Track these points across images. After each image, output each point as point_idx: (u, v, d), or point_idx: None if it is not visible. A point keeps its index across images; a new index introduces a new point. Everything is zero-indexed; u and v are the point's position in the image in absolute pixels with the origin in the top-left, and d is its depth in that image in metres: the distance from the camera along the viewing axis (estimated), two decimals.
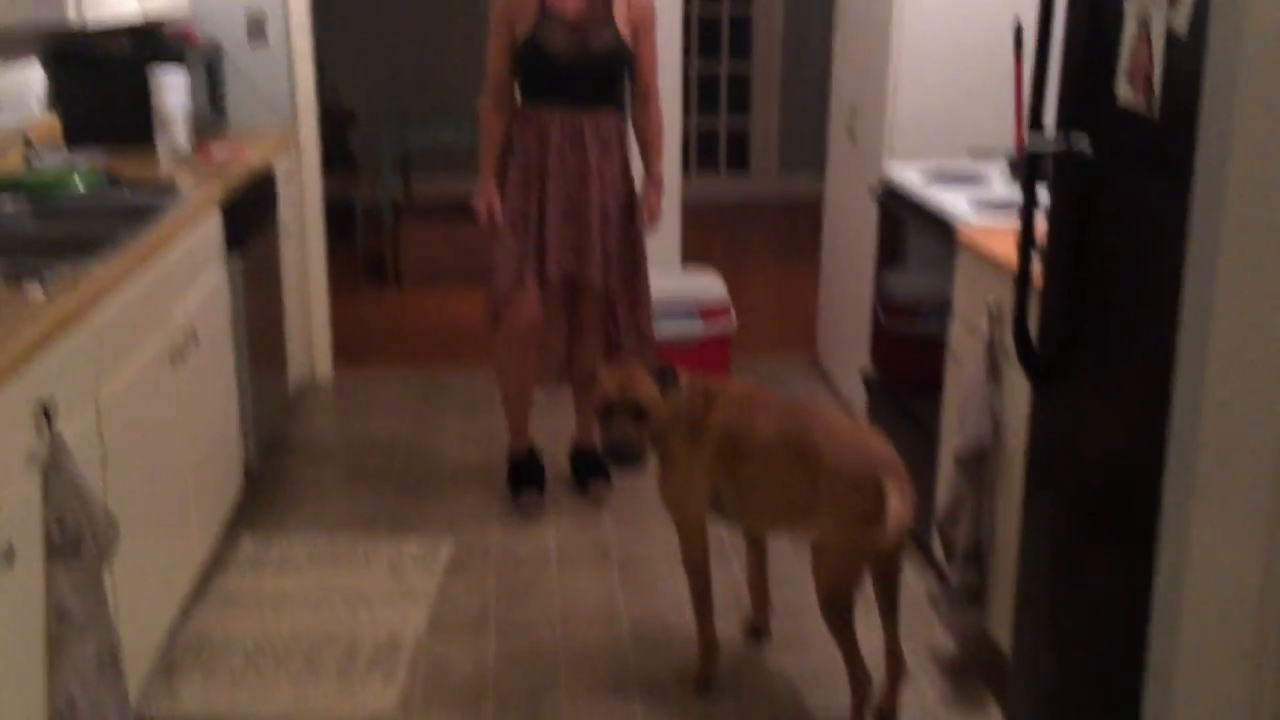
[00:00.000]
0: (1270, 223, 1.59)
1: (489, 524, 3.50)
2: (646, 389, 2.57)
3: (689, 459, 2.62)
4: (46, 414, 2.01)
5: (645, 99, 3.49)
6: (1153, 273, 1.87)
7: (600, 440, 2.67)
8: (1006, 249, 2.59)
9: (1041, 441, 2.35)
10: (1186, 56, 1.74)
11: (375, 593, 3.11)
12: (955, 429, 2.79)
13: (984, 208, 3.01)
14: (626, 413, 2.56)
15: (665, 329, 4.44)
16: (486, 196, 3.44)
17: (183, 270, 2.87)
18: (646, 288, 3.59)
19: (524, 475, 3.64)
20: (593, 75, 3.38)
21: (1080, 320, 2.16)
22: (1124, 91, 1.93)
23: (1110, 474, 2.05)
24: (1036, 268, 2.30)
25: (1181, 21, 1.76)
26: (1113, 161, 2.03)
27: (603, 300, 3.51)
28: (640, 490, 3.61)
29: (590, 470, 3.70)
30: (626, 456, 2.59)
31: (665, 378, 2.60)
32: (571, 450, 3.78)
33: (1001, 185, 3.31)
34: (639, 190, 3.54)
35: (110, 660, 2.12)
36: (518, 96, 3.46)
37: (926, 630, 2.94)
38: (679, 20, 4.55)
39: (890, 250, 3.63)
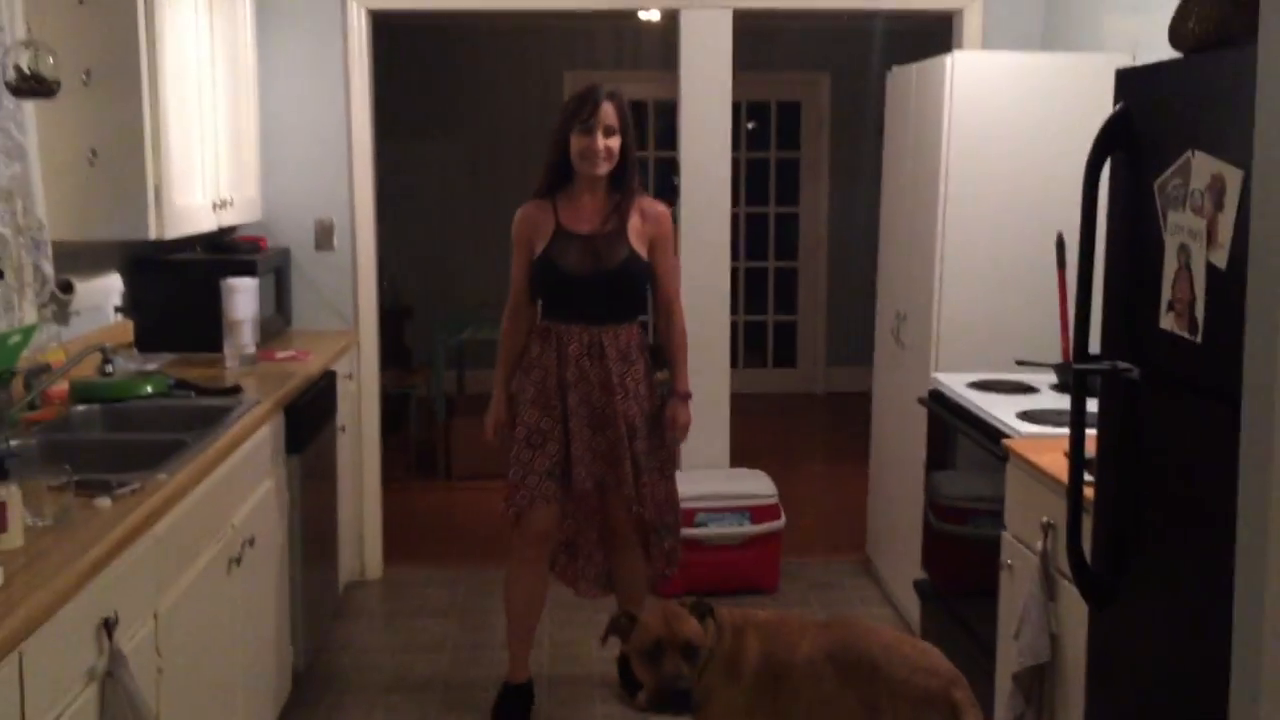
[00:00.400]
0: None
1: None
2: (693, 625, 2.52)
3: (728, 696, 2.55)
4: (108, 629, 2.05)
5: (668, 311, 3.50)
6: (1205, 489, 1.87)
7: (649, 684, 2.55)
8: (1055, 463, 2.60)
9: (1101, 659, 2.31)
10: (1228, 288, 1.79)
11: None
12: (1011, 644, 2.74)
13: (1033, 419, 3.03)
14: (677, 651, 2.49)
15: (714, 529, 4.45)
16: (495, 414, 3.48)
17: (245, 475, 2.94)
18: (675, 498, 3.57)
19: (509, 708, 3.51)
20: (608, 291, 3.37)
21: (1134, 536, 2.15)
22: (1167, 321, 1.97)
23: (1174, 691, 2.01)
24: (1088, 485, 2.30)
25: (1221, 257, 1.81)
26: (1159, 382, 2.06)
27: (634, 508, 3.45)
28: None
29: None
30: (682, 698, 2.49)
31: (702, 611, 2.56)
32: (620, 659, 3.68)
33: (1050, 396, 3.35)
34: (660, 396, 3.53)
35: None
36: (538, 314, 3.49)
37: None
38: (727, 218, 4.71)
39: (939, 453, 3.64)
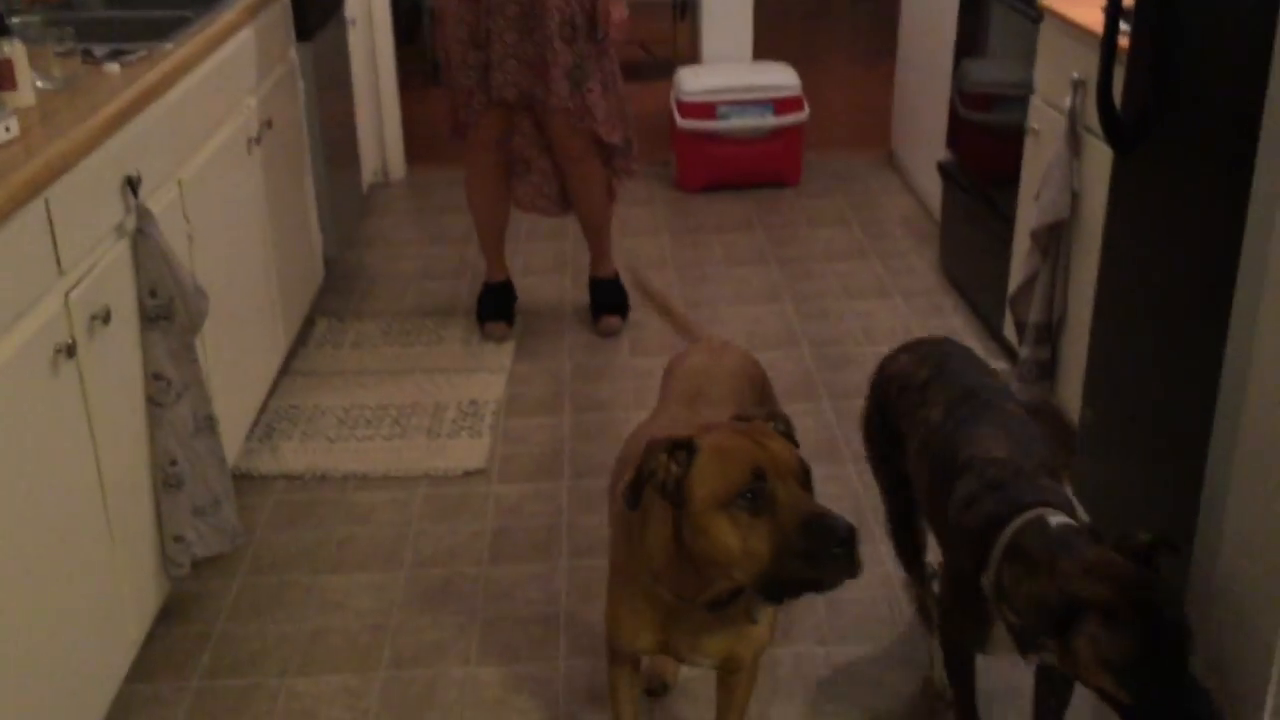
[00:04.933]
0: None
1: (561, 312, 3.56)
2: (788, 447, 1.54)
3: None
4: (132, 186, 2.07)
5: None
6: (1245, 39, 1.79)
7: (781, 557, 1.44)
8: (1092, 15, 2.49)
9: (1121, 213, 2.31)
10: None
11: (452, 367, 3.24)
12: (1031, 206, 2.75)
13: None
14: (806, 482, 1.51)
15: (736, 122, 4.39)
16: None
17: (254, 56, 2.88)
18: (625, 110, 3.26)
19: (492, 305, 3.46)
20: None
21: (1166, 88, 2.09)
22: None
23: (1189, 248, 2.02)
24: (1123, 34, 2.22)
25: None
26: None
27: (581, 123, 3.17)
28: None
29: (607, 300, 3.50)
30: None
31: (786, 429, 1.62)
32: (590, 281, 3.56)
33: None
34: None
35: (206, 422, 2.23)
36: None
37: None
38: None
39: (970, 39, 3.51)
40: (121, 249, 2.04)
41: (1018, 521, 1.62)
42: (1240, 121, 1.79)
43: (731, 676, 1.79)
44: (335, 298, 3.62)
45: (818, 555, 1.41)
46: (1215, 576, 1.87)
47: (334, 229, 3.61)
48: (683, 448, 1.49)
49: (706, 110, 4.38)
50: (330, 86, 3.63)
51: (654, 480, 1.49)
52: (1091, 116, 2.44)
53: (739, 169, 4.45)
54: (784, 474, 1.46)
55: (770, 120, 4.41)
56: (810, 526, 1.41)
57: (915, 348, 2.09)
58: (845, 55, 6.64)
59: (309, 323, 3.42)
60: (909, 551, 2.19)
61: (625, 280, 3.50)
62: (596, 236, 3.48)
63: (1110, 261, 2.36)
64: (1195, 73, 2.00)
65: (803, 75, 4.59)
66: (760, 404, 2.00)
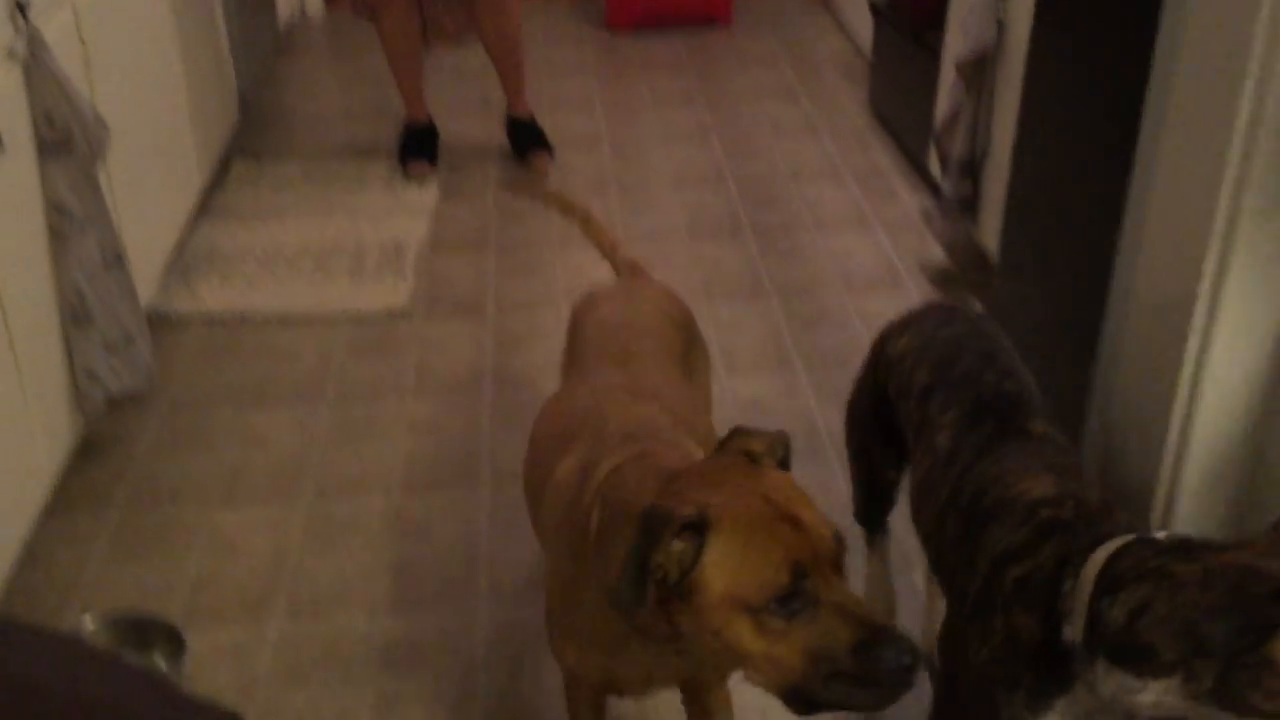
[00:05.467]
0: None
1: (486, 155, 3.49)
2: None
3: None
4: (21, 8, 1.97)
5: None
6: None
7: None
8: None
9: (1041, 44, 2.29)
10: None
11: (375, 208, 3.18)
12: (959, 37, 2.72)
13: None
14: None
15: None
16: None
17: None
18: None
19: (415, 144, 3.39)
20: None
21: None
22: None
23: (1108, 78, 2.01)
24: None
25: None
26: None
27: None
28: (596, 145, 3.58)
29: (529, 140, 3.44)
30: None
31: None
32: (506, 121, 3.50)
33: None
34: None
35: (114, 257, 2.18)
36: None
37: (918, 242, 2.99)
38: None
39: None
40: (11, 74, 1.95)
41: (1104, 550, 1.21)
42: None
43: (700, 701, 1.50)
44: (253, 137, 3.52)
45: (869, 680, 1.10)
46: (1114, 392, 1.92)
47: (248, 66, 3.49)
48: (692, 526, 1.12)
49: None
50: None
51: (657, 575, 1.12)
52: None
53: (669, 6, 4.35)
54: (824, 565, 1.12)
55: None
56: (866, 649, 1.09)
57: (919, 322, 1.68)
58: None
59: (226, 163, 3.33)
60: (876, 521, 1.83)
61: (540, 124, 3.46)
62: (511, 66, 3.39)
63: (1030, 93, 2.34)
64: None
65: None
66: (689, 348, 1.75)
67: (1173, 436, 1.74)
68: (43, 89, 2.00)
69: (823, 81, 3.93)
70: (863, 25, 3.91)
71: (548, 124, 3.51)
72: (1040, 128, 2.30)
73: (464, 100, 3.80)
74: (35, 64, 1.99)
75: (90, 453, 2.28)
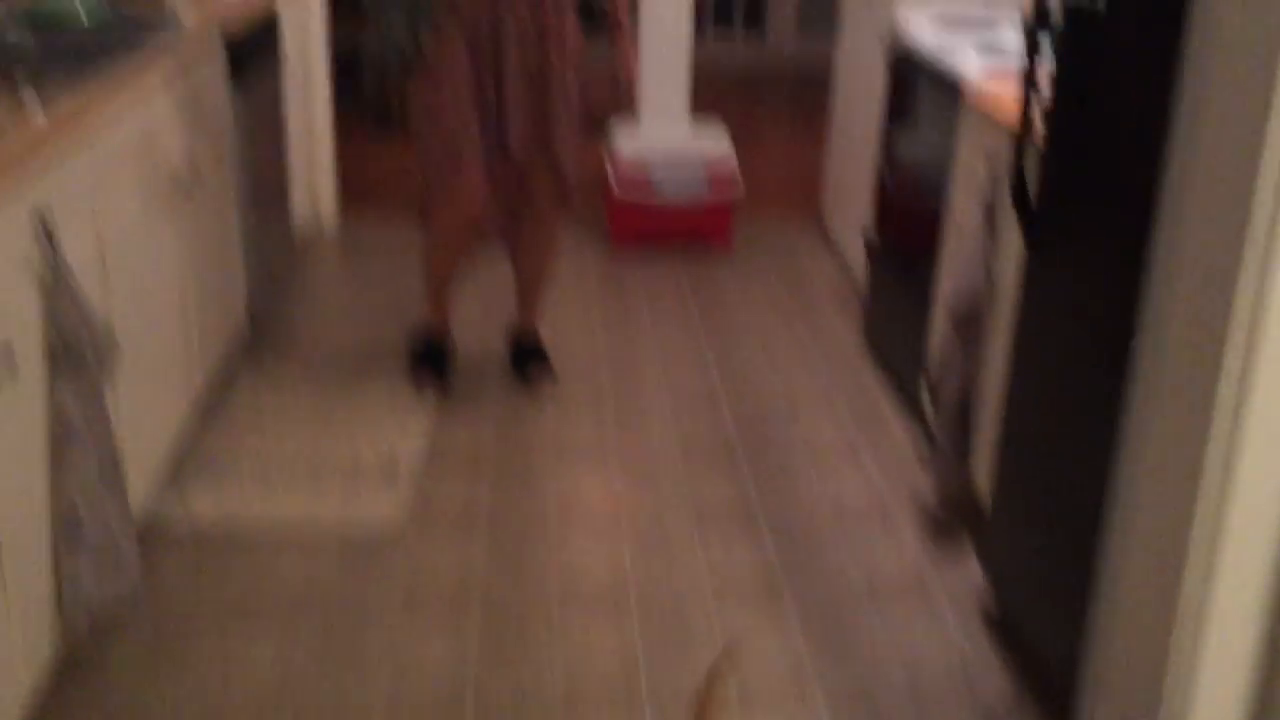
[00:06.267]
0: (1250, 87, 1.58)
1: (486, 371, 3.55)
2: None
3: None
4: (46, 227, 2.04)
5: None
6: (1146, 133, 1.86)
7: None
8: (1012, 102, 2.57)
9: (1031, 299, 2.37)
10: None
11: (373, 419, 3.21)
12: (950, 284, 2.81)
13: (992, 53, 2.97)
14: None
15: (669, 187, 4.44)
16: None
17: (185, 103, 2.87)
18: (576, 146, 3.24)
19: (430, 358, 3.36)
20: None
21: (1078, 179, 2.16)
22: None
23: (1093, 336, 2.07)
24: (1038, 125, 2.29)
25: None
26: (1121, 14, 2.00)
27: (555, 169, 3.19)
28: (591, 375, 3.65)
29: (534, 360, 3.46)
30: None
31: None
32: (510, 337, 3.52)
33: (1013, 32, 3.26)
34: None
35: (111, 470, 2.19)
36: None
37: (911, 481, 3.01)
38: None
39: (899, 109, 3.59)
40: (30, 291, 2.01)
41: None
42: (1135, 210, 1.85)
43: None
44: (258, 346, 3.58)
45: None
46: (1111, 636, 1.91)
47: (260, 277, 3.58)
48: None
49: (641, 173, 4.42)
50: (263, 133, 3.62)
51: None
52: (1007, 201, 2.51)
53: (672, 232, 4.50)
54: None
55: (704, 187, 4.46)
56: None
57: None
58: (786, 119, 6.77)
59: (229, 371, 3.38)
60: None
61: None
62: (536, 282, 3.45)
63: (1020, 344, 2.41)
64: (1100, 158, 2.07)
65: (739, 140, 4.67)
66: None
67: (1172, 683, 1.73)
68: (59, 307, 2.05)
69: (819, 311, 4.04)
70: (857, 252, 4.04)
71: (547, 341, 3.59)
72: (1031, 374, 2.35)
73: (462, 307, 3.89)
74: (55, 283, 2.05)
75: (69, 673, 2.24)
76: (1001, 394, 2.48)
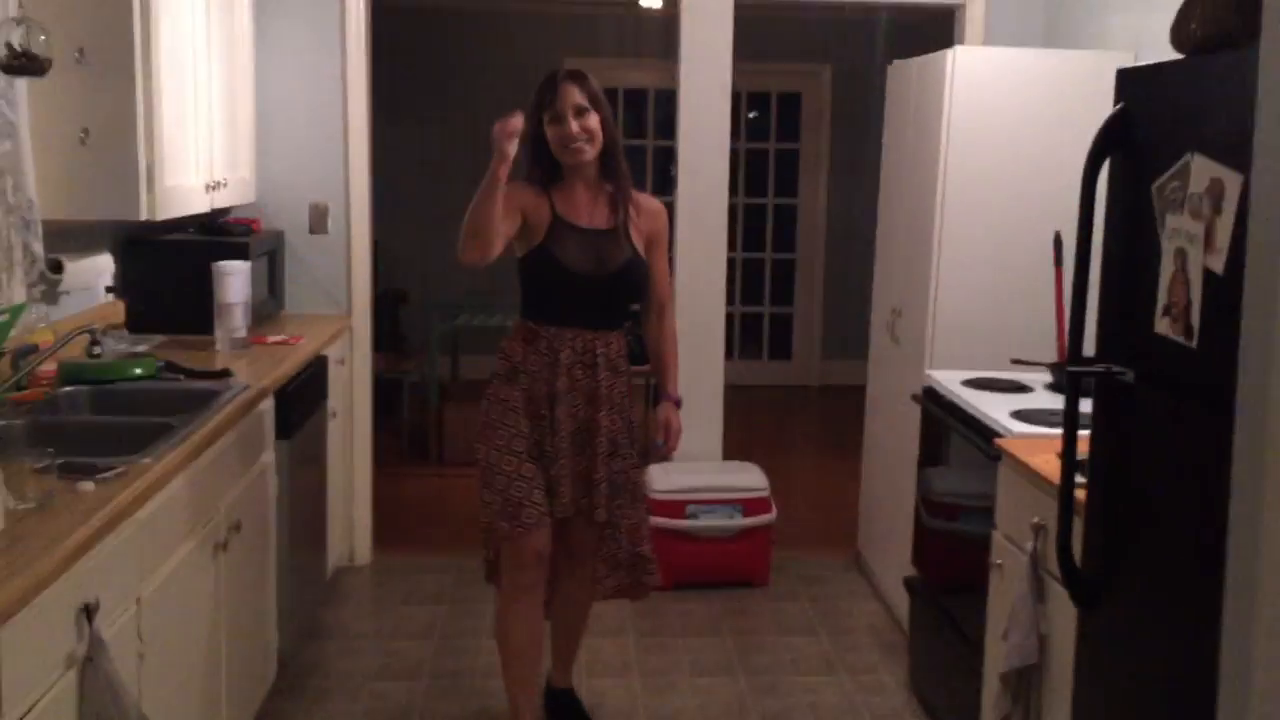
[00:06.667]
0: None
1: None
2: None
3: None
4: (89, 614, 2.03)
5: (661, 313, 3.24)
6: (1196, 494, 1.86)
7: None
8: (1048, 464, 2.58)
9: (1088, 662, 2.30)
10: (1225, 294, 1.77)
11: None
12: (1000, 645, 2.73)
13: (1026, 419, 3.02)
14: None
15: (705, 522, 4.43)
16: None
17: (232, 459, 2.92)
18: (646, 515, 3.27)
19: None
20: (608, 293, 3.08)
21: (1124, 539, 2.14)
22: (1163, 326, 1.96)
23: (1161, 696, 1.99)
24: (1079, 487, 2.29)
25: (1218, 262, 1.79)
26: (1153, 386, 2.05)
27: (600, 531, 3.15)
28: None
29: (570, 716, 3.38)
30: None
31: None
32: (545, 690, 3.42)
33: (1044, 396, 3.33)
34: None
35: None
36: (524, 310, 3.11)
37: None
38: (725, 209, 4.67)
39: (932, 450, 3.63)
40: (68, 681, 1.98)
41: None
42: (1201, 576, 1.81)
43: None
44: (286, 699, 3.48)
45: None
46: None
47: (292, 621, 3.54)
48: None
49: (676, 509, 4.43)
50: (305, 476, 3.68)
51: None
52: (1054, 561, 2.48)
53: (707, 568, 4.45)
54: None
55: (739, 520, 4.46)
56: None
57: None
58: (815, 447, 6.84)
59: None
60: None
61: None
62: (575, 635, 3.40)
63: (1083, 714, 2.32)
64: (1150, 524, 2.05)
65: (770, 468, 4.70)
66: None
67: None
68: (94, 696, 2.01)
69: (861, 654, 3.92)
70: (898, 593, 3.97)
71: (582, 690, 3.48)
72: None
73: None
74: (91, 669, 2.02)
75: None
76: None
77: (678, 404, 3.27)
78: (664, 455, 3.28)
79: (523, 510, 3.00)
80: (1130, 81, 2.17)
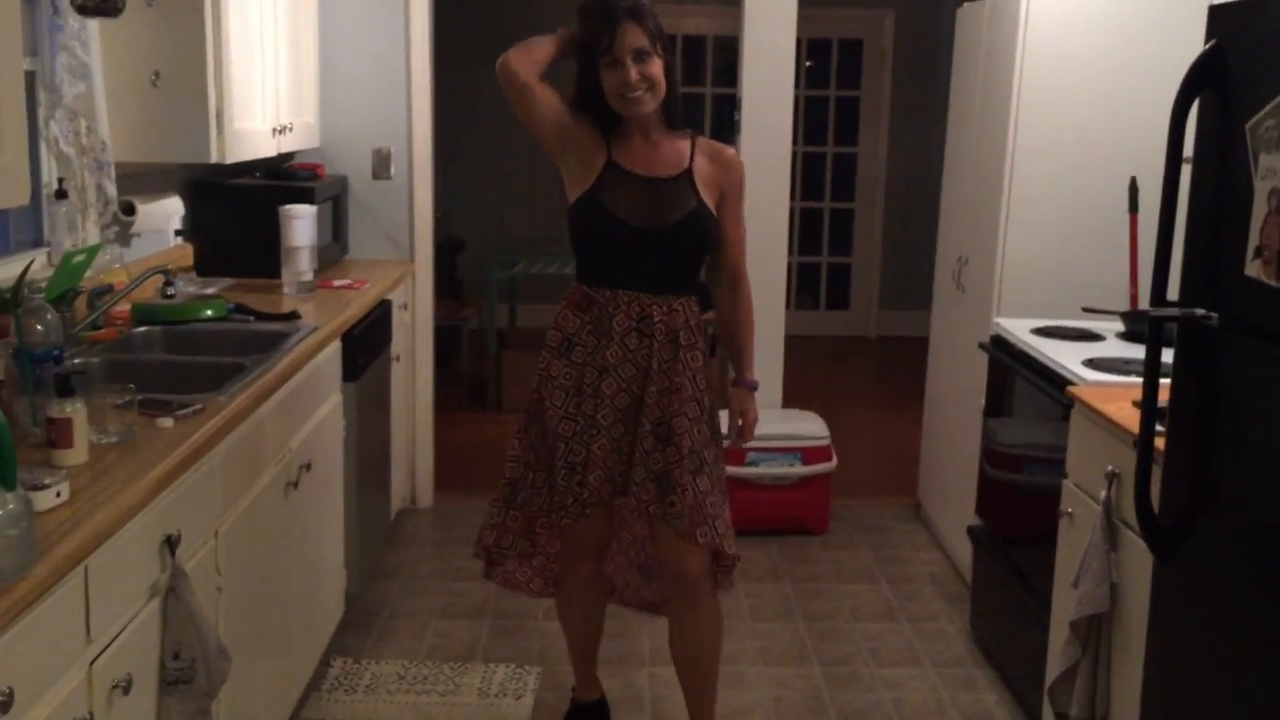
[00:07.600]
0: None
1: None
2: None
3: None
4: (171, 546, 2.07)
5: (735, 281, 2.83)
6: None
7: None
8: (1123, 412, 2.54)
9: (1165, 612, 2.27)
10: None
11: (464, 717, 3.10)
12: (1069, 593, 2.71)
13: (1099, 367, 2.97)
14: None
15: (765, 469, 4.43)
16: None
17: (302, 400, 2.96)
18: (725, 499, 2.80)
19: None
20: (669, 250, 2.69)
21: (1206, 489, 2.10)
22: (1253, 269, 1.91)
23: (1240, 648, 1.97)
24: (1159, 435, 2.25)
25: None
26: (1240, 331, 2.00)
27: (644, 516, 2.80)
28: None
29: None
30: None
31: None
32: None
33: (1116, 344, 3.28)
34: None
35: None
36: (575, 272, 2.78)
37: None
38: (788, 157, 4.62)
39: (998, 400, 3.59)
40: (151, 611, 2.02)
41: None
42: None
43: None
44: (353, 635, 3.55)
45: None
46: None
47: (358, 561, 3.59)
48: None
49: (736, 455, 4.43)
50: (370, 419, 3.71)
51: None
52: (1128, 510, 2.44)
53: (766, 515, 4.45)
54: None
55: (799, 469, 4.45)
56: None
57: None
58: (873, 397, 6.80)
59: (325, 662, 3.34)
60: None
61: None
62: (704, 686, 2.90)
63: (1157, 664, 2.29)
64: (1235, 474, 2.01)
65: (830, 417, 4.67)
66: None
67: None
68: (176, 625, 2.05)
69: (922, 602, 3.92)
70: (960, 542, 3.95)
71: (645, 630, 3.50)
72: (1168, 698, 2.22)
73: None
74: (174, 599, 2.06)
75: None
76: (1138, 705, 2.34)
77: (754, 388, 2.90)
78: (735, 445, 2.90)
79: (568, 498, 2.76)
80: (1224, 17, 2.10)
